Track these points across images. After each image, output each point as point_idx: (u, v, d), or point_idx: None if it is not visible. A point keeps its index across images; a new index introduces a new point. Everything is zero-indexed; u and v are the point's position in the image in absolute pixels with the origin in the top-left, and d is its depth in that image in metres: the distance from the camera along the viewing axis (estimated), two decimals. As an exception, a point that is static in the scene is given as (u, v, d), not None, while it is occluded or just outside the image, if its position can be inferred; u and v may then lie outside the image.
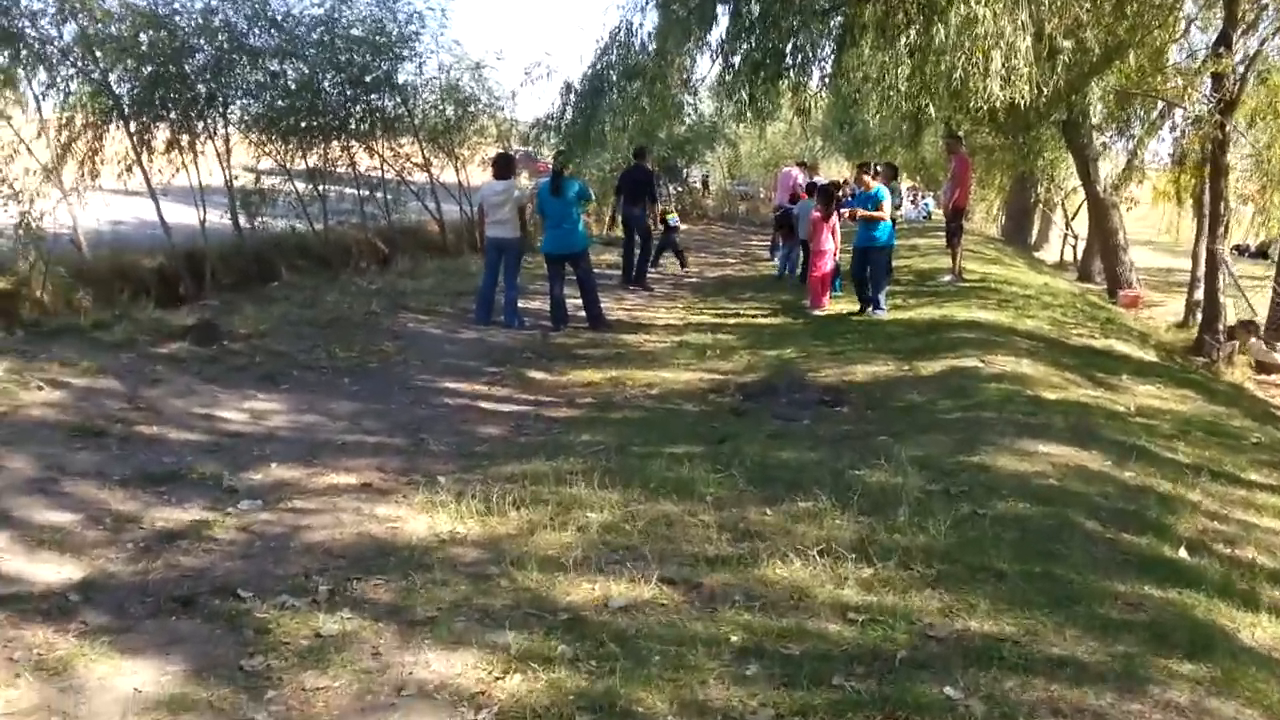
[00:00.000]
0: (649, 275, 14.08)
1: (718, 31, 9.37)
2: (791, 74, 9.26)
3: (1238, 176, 12.96)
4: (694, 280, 15.41)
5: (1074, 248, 28.91)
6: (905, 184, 40.95)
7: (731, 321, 11.09)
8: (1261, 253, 29.14)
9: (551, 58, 37.18)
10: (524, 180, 11.63)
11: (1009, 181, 29.25)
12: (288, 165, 13.52)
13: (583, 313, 10.46)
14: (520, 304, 10.44)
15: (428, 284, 12.71)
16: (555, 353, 9.19)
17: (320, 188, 14.05)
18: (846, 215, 11.66)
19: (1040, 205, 30.71)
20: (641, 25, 9.27)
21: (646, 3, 8.88)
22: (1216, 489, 5.11)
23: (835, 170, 48.45)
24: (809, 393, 7.34)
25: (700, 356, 8.96)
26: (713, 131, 29.07)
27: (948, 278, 13.71)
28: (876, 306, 10.95)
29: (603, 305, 10.68)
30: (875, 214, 10.97)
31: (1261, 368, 11.72)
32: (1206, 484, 5.15)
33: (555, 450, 5.88)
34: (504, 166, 10.37)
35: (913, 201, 36.25)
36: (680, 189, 28.45)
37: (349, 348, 8.74)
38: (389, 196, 15.61)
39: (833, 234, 11.58)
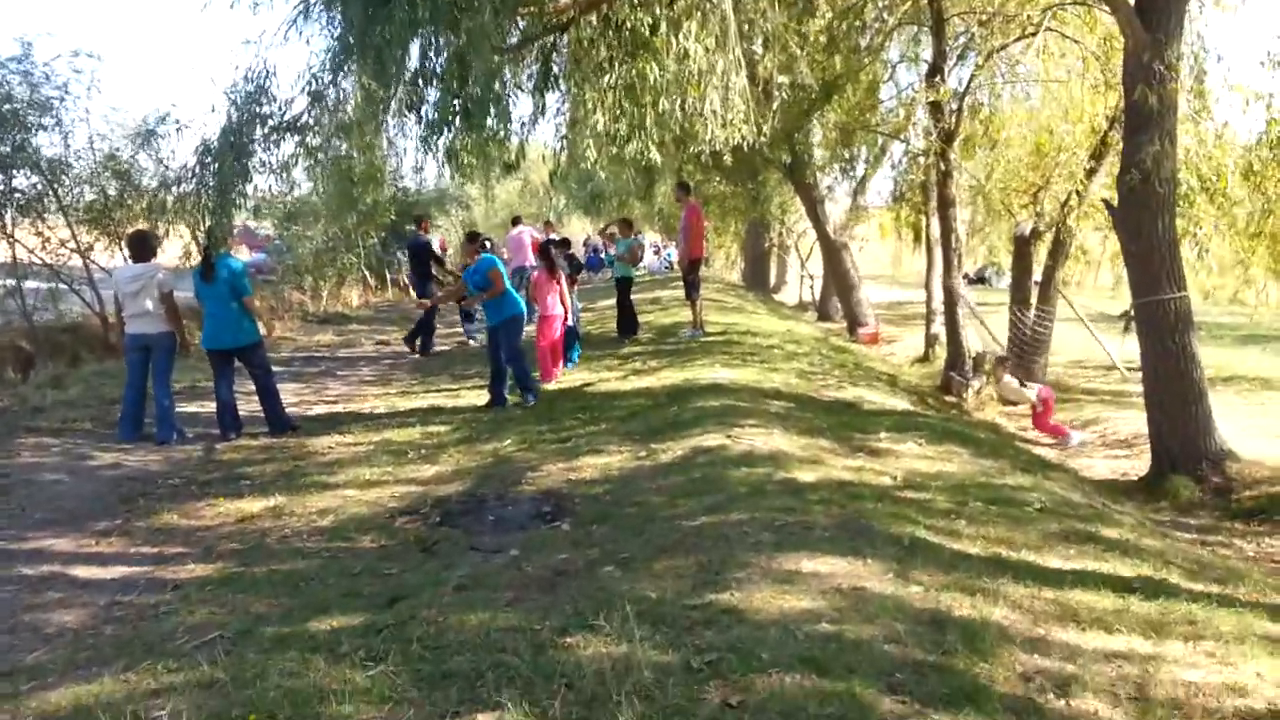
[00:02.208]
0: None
1: (404, 77, 7.77)
2: (490, 122, 7.84)
3: (963, 207, 12.82)
4: (415, 357, 13.65)
5: (812, 288, 29.47)
6: (647, 236, 41.14)
7: (449, 405, 9.45)
8: (979, 278, 30.98)
9: (178, 109, 30.85)
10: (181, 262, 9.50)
11: (744, 227, 29.55)
12: None
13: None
14: (189, 409, 8.33)
15: (74, 393, 10.26)
16: (213, 474, 7.21)
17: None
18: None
19: (775, 249, 31.22)
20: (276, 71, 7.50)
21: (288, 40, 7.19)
22: (1021, 594, 4.02)
23: (579, 227, 48.24)
24: (523, 505, 5.83)
25: (398, 461, 7.27)
26: (441, 195, 27.51)
27: (688, 331, 12.79)
28: (526, 392, 9.16)
29: (303, 397, 8.74)
30: (481, 295, 9.16)
31: (1006, 400, 11.44)
32: (1009, 588, 4.05)
33: (145, 649, 4.03)
34: (140, 247, 8.29)
35: (655, 252, 36.19)
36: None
37: (-88, 499, 6.43)
38: (34, 290, 12.91)
39: (561, 297, 10.28)
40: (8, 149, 11.62)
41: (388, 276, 24.64)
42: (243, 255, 29.48)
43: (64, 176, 12.72)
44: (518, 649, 3.55)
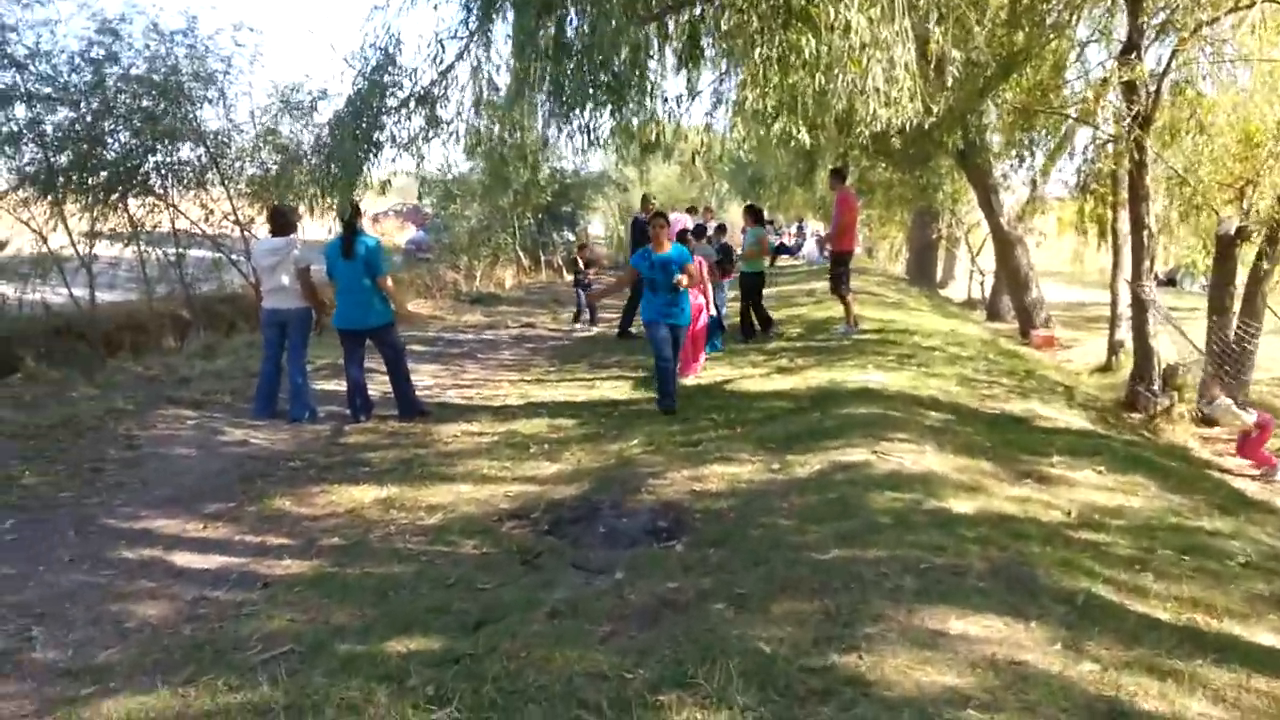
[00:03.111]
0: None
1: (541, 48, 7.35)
2: (630, 96, 7.35)
3: (1155, 201, 11.48)
4: (564, 341, 13.40)
5: (981, 284, 27.77)
6: (810, 225, 39.90)
7: (581, 398, 9.06)
8: (1169, 280, 28.41)
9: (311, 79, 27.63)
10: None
11: (910, 217, 28.15)
12: (43, 230, 11.16)
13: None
14: (326, 386, 8.24)
15: (221, 364, 10.49)
16: (334, 458, 7.03)
17: (89, 253, 11.69)
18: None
19: (943, 241, 29.62)
20: (402, 39, 7.14)
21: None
22: (1225, 682, 3.22)
23: (737, 214, 47.47)
24: (639, 517, 5.31)
25: (520, 456, 6.90)
26: (600, 177, 27.38)
27: (841, 328, 11.99)
28: (663, 399, 8.16)
29: (439, 380, 8.52)
30: (680, 278, 8.12)
31: (1204, 421, 10.12)
32: (1208, 673, 3.26)
33: (214, 658, 3.75)
34: (279, 221, 8.24)
35: (818, 242, 35.05)
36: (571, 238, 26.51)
37: (49, 468, 6.52)
38: (198, 259, 13.36)
39: (702, 287, 9.72)
40: (173, 121, 11.95)
41: (541, 258, 24.68)
42: (409, 233, 30.35)
43: (226, 149, 13.03)
44: (600, 705, 3.05)
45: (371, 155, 6.92)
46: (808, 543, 4.52)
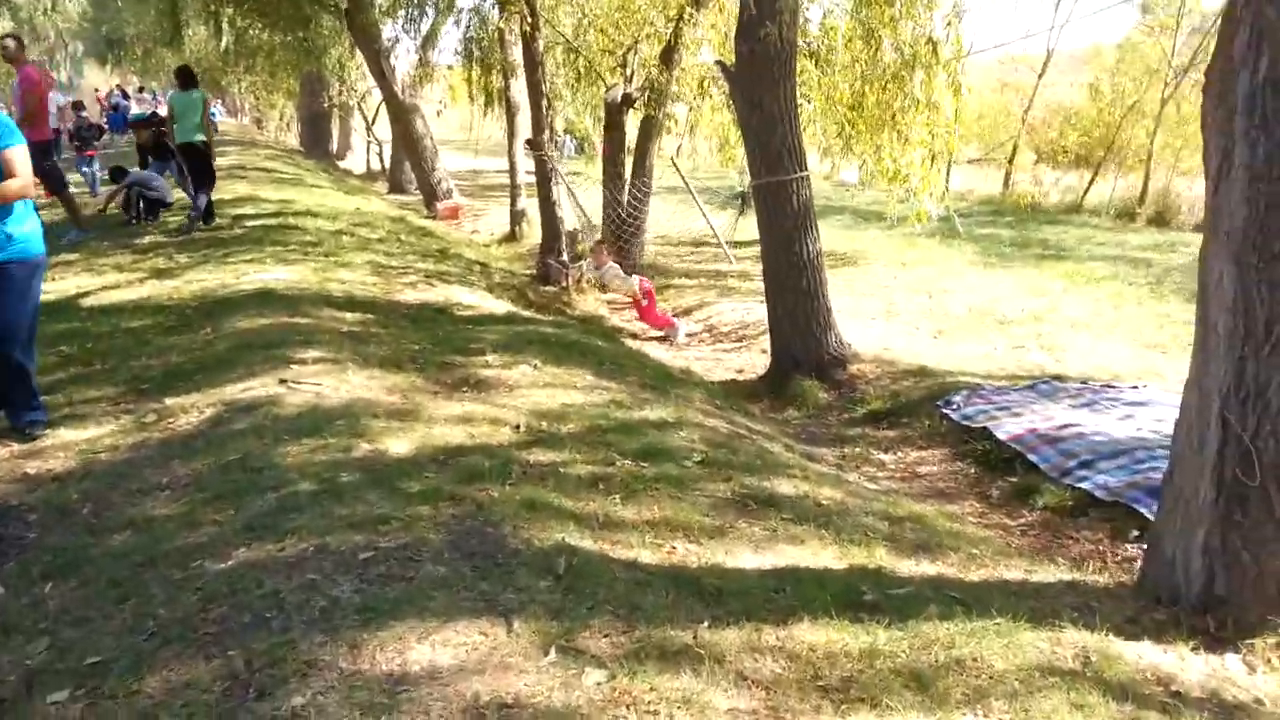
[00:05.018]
0: None
1: None
2: None
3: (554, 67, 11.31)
4: None
5: (380, 155, 26.82)
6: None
7: None
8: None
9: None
10: None
11: (298, 84, 25.98)
12: None
13: None
14: None
15: None
16: None
17: None
18: None
19: (336, 110, 27.96)
20: None
21: None
22: (739, 647, 2.72)
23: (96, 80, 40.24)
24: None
25: None
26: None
27: (74, 234, 9.56)
28: None
29: None
30: None
31: (605, 288, 10.38)
32: (720, 641, 2.74)
33: None
34: None
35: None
36: None
37: None
38: None
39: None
40: None
41: None
42: None
43: None
44: None
45: None
46: (200, 545, 3.21)
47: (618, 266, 9.71)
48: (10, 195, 4.08)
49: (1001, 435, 5.86)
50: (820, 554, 3.55)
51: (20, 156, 4.12)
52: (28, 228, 4.23)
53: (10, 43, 9.03)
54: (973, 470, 5.77)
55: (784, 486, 4.23)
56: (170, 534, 3.33)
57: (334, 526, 3.26)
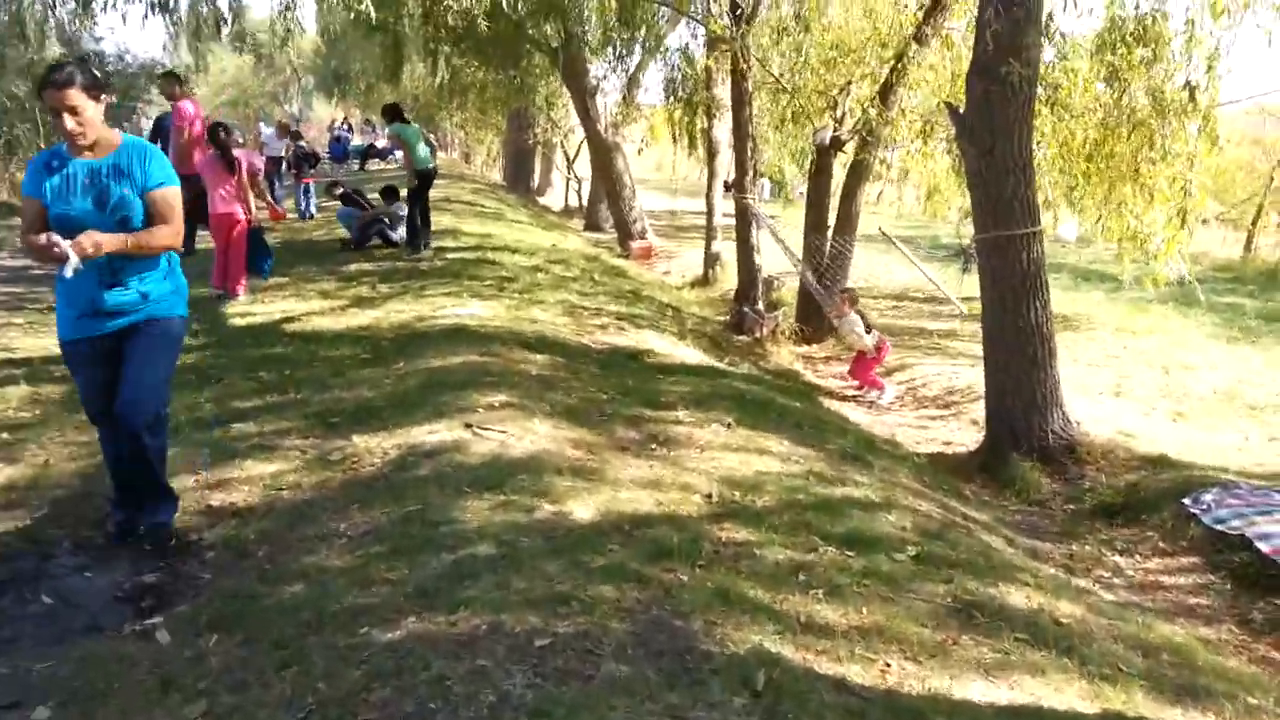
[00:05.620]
0: None
1: None
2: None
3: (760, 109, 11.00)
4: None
5: (578, 192, 27.33)
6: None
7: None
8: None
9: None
10: None
11: (506, 120, 26.84)
12: None
13: None
14: None
15: None
16: None
17: None
18: None
19: (540, 146, 28.71)
20: None
21: None
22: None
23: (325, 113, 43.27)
24: (115, 566, 3.45)
25: None
26: (153, 64, 22.97)
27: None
28: None
29: None
30: None
31: (803, 339, 9.88)
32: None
33: None
34: None
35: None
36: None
37: None
38: None
39: (239, 192, 7.82)
40: None
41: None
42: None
43: None
44: None
45: None
46: (370, 607, 2.98)
47: (859, 319, 9.14)
48: (157, 246, 3.37)
49: (1265, 548, 4.99)
50: (1065, 690, 2.95)
51: (173, 199, 3.41)
52: (169, 286, 3.53)
53: (168, 82, 9.38)
54: (1228, 586, 4.93)
55: (1014, 596, 3.63)
56: (341, 591, 3.11)
57: (510, 602, 2.95)
